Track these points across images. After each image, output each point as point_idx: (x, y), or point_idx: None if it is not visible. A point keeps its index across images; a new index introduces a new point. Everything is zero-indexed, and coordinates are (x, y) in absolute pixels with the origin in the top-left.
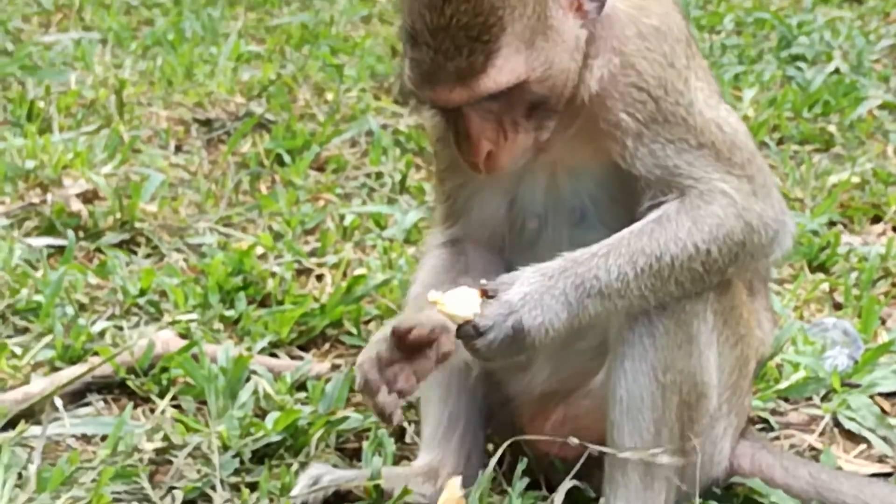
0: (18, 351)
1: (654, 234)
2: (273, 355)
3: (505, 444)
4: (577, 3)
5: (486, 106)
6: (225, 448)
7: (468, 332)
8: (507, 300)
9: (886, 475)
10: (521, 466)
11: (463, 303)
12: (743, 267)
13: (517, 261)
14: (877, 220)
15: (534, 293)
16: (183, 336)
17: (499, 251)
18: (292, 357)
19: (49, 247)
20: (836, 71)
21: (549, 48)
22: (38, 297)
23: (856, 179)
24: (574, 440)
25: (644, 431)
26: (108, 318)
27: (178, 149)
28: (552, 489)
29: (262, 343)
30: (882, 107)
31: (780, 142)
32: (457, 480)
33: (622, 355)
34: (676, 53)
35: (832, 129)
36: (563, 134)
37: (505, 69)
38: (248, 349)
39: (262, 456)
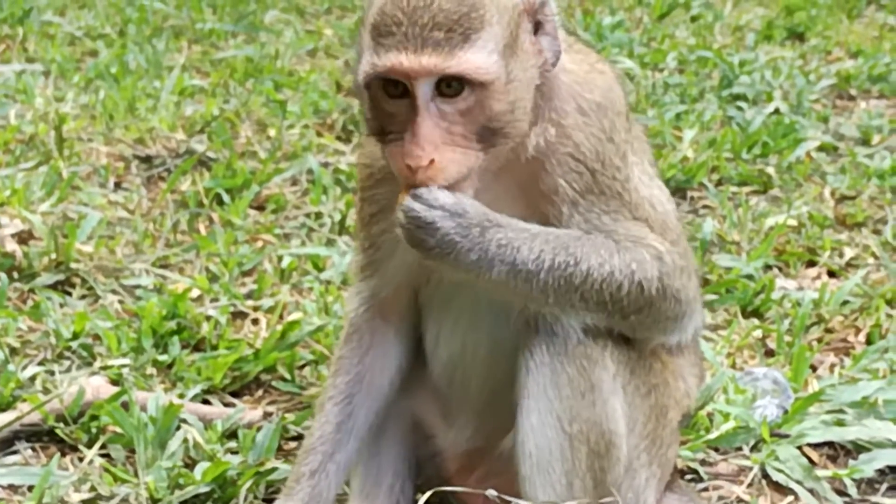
0: None
1: (582, 241)
2: (206, 401)
3: (426, 496)
4: (539, 45)
5: (443, 108)
6: (153, 500)
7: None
8: (451, 200)
9: None
10: None
11: None
12: (642, 327)
13: (432, 316)
14: (812, 263)
15: (467, 220)
16: (115, 382)
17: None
18: (225, 403)
19: None
20: (776, 111)
21: (515, 66)
22: None
23: (792, 222)
24: (492, 493)
25: (556, 484)
26: (40, 363)
27: (117, 186)
28: None
29: (195, 390)
30: (820, 148)
31: (718, 183)
32: None
33: (527, 409)
34: (616, 127)
35: (770, 170)
36: (498, 187)
37: (480, 55)
38: (181, 395)
39: None
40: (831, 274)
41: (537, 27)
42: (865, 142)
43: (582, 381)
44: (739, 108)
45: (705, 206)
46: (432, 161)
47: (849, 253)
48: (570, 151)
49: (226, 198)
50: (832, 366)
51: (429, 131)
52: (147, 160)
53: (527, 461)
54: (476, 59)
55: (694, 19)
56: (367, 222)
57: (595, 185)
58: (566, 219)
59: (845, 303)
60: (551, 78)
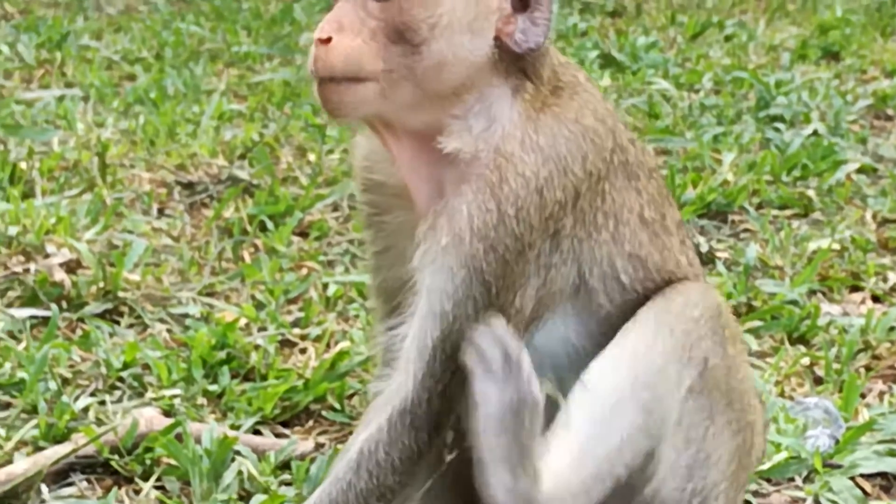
0: (1, 431)
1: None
2: (257, 432)
3: None
4: (509, 15)
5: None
6: None
7: None
8: None
9: None
10: None
11: None
12: None
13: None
14: (856, 288)
15: None
16: (167, 413)
17: None
18: (276, 434)
19: (32, 317)
20: (815, 132)
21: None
22: (22, 374)
23: (835, 246)
24: None
25: (598, 408)
26: (92, 394)
27: (160, 212)
28: None
29: (248, 422)
30: (860, 170)
31: (759, 206)
32: None
33: (606, 353)
34: (553, 184)
35: (811, 193)
36: (416, 160)
37: None
38: (233, 426)
39: None
40: (876, 298)
41: (525, 5)
42: None
43: (674, 365)
44: (777, 130)
45: (746, 230)
46: (330, 39)
47: (892, 278)
48: (492, 180)
49: (269, 224)
50: (881, 393)
51: (343, 11)
52: (189, 186)
53: (586, 380)
54: None
55: (728, 38)
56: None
57: (495, 230)
58: (426, 251)
59: (892, 328)
60: (512, 89)
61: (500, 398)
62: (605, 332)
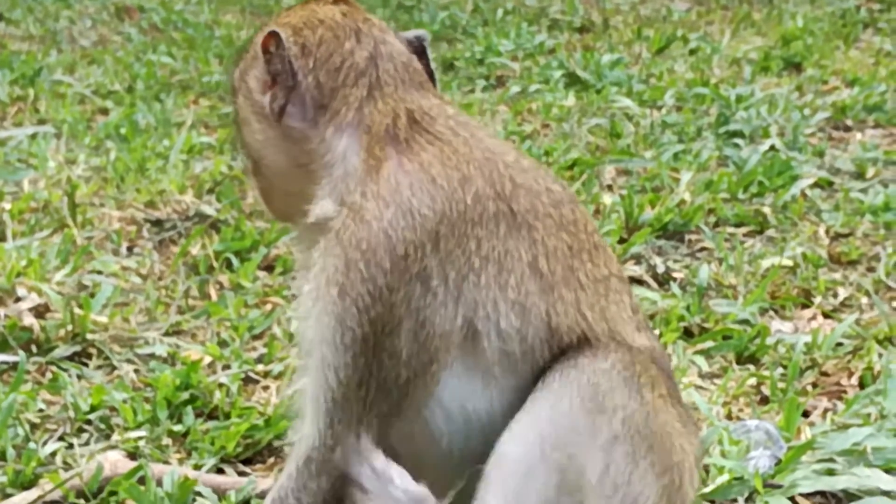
0: None
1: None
2: (220, 470)
3: None
4: (270, 85)
5: None
6: None
7: None
8: None
9: None
10: None
11: None
12: None
13: None
14: (807, 305)
15: None
16: (132, 455)
17: None
18: (238, 472)
19: (3, 363)
20: (772, 147)
21: (241, 92)
22: None
23: (788, 262)
24: None
25: (510, 493)
26: (60, 438)
27: (129, 250)
28: None
29: (210, 462)
30: (816, 184)
31: (715, 224)
32: None
33: (516, 419)
34: (398, 224)
35: (767, 210)
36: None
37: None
38: (196, 466)
39: None
40: (826, 315)
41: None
42: (860, 175)
43: (585, 419)
44: (736, 146)
45: (703, 249)
46: None
47: (843, 293)
48: (338, 229)
49: (234, 260)
50: (826, 411)
51: None
52: (158, 223)
53: (493, 460)
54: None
55: (692, 52)
56: None
57: (344, 276)
58: (300, 299)
59: (839, 345)
60: (347, 147)
61: None
62: (513, 393)
